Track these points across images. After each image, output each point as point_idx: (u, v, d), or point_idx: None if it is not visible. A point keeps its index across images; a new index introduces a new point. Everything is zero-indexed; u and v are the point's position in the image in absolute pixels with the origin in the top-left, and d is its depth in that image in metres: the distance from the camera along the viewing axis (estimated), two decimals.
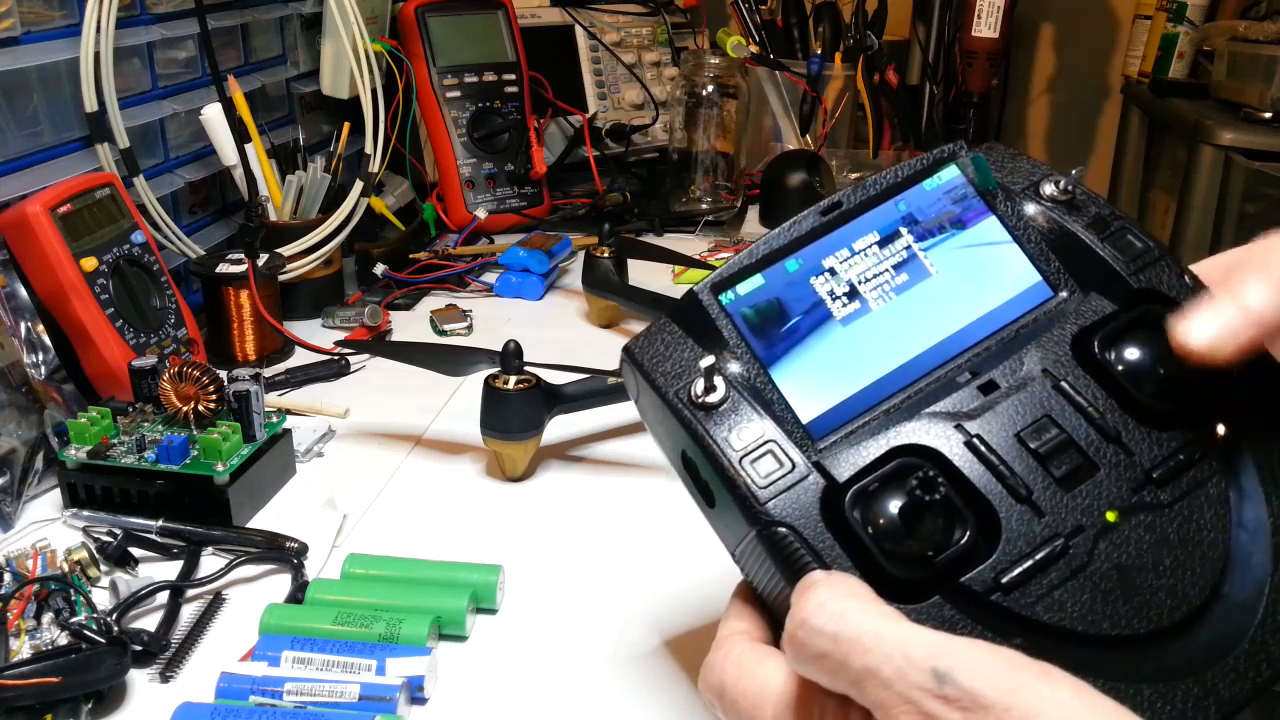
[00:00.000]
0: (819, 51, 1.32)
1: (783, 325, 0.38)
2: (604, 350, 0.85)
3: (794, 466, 0.35)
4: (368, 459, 0.68)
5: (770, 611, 0.36)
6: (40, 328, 0.67)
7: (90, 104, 0.75)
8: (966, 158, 0.40)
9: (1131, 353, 0.36)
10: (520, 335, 0.66)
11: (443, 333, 0.89)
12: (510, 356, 0.65)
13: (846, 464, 0.35)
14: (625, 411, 0.72)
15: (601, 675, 0.49)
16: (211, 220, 0.93)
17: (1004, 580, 0.33)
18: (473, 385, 0.67)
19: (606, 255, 0.88)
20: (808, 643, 0.30)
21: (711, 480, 0.36)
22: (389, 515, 0.62)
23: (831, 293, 0.38)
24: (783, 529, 0.34)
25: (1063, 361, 0.37)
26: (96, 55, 0.74)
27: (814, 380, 0.37)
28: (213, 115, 0.86)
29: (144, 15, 0.82)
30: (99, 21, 0.73)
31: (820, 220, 0.39)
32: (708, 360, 0.36)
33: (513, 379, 0.64)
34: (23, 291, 0.67)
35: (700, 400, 0.36)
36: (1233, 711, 0.31)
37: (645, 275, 0.93)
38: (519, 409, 0.64)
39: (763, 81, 1.29)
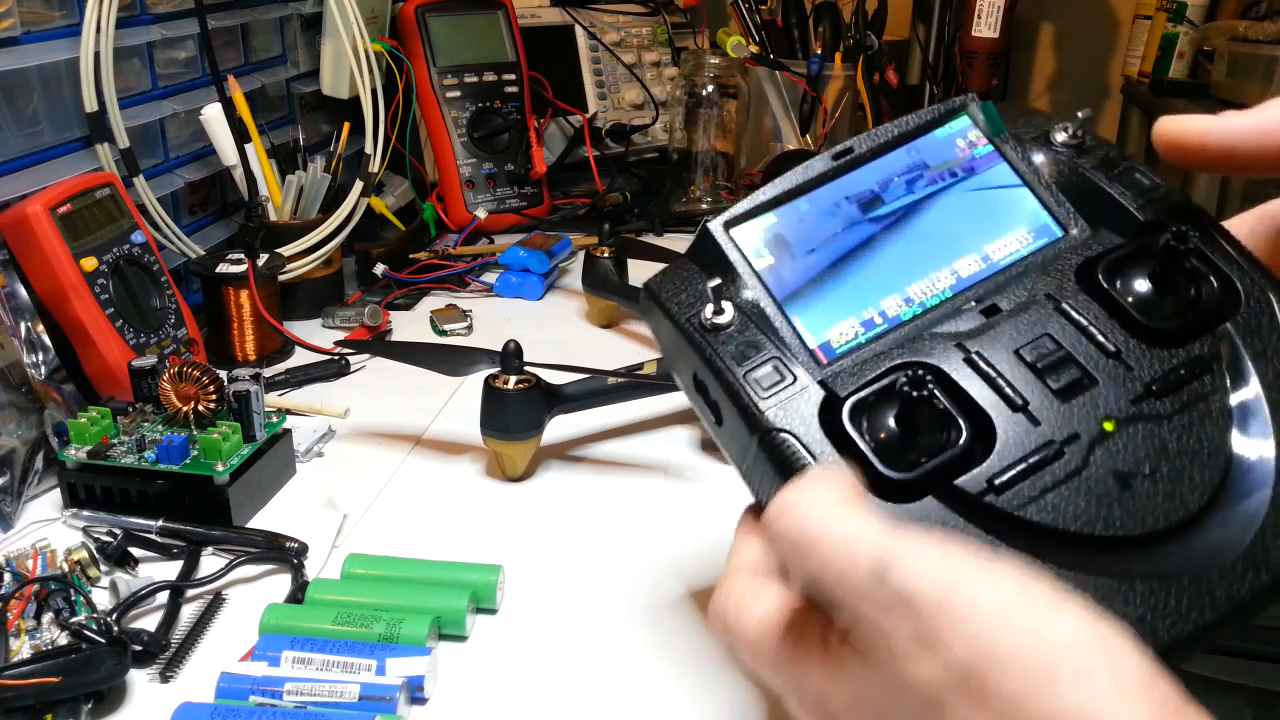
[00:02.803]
0: (819, 51, 1.32)
1: (793, 260, 0.39)
2: (604, 350, 0.85)
3: (794, 379, 0.36)
4: (368, 459, 0.68)
5: None
6: (40, 328, 0.66)
7: (90, 104, 0.75)
8: (976, 107, 0.42)
9: (1133, 277, 0.37)
10: (520, 335, 0.66)
11: (443, 333, 0.89)
12: (510, 356, 0.65)
13: (849, 381, 0.37)
14: (625, 411, 0.72)
15: (601, 675, 0.49)
16: (211, 220, 0.93)
17: (997, 482, 0.34)
18: (473, 385, 0.67)
19: (606, 255, 0.88)
20: (773, 544, 0.31)
21: (719, 396, 0.38)
22: (389, 515, 0.62)
23: (841, 230, 0.40)
24: (782, 434, 0.35)
25: (1066, 288, 0.38)
26: (96, 55, 0.74)
27: (823, 310, 0.38)
28: (213, 115, 0.86)
29: (144, 15, 0.82)
30: (99, 21, 0.73)
31: (832, 165, 0.41)
32: (714, 281, 0.38)
33: (513, 379, 0.64)
34: (23, 291, 0.67)
35: (709, 323, 0.38)
36: (1228, 613, 0.31)
37: (645, 275, 0.92)
38: (519, 409, 0.64)
39: (763, 81, 1.29)
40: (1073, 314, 0.37)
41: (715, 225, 0.40)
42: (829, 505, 0.30)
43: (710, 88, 1.17)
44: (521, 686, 0.48)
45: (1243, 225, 0.40)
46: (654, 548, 0.59)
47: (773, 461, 0.35)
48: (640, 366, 0.70)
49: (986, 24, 1.41)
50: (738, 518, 0.38)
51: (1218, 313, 0.37)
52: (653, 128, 1.30)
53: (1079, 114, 0.42)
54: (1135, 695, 0.24)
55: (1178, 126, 0.37)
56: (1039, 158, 0.41)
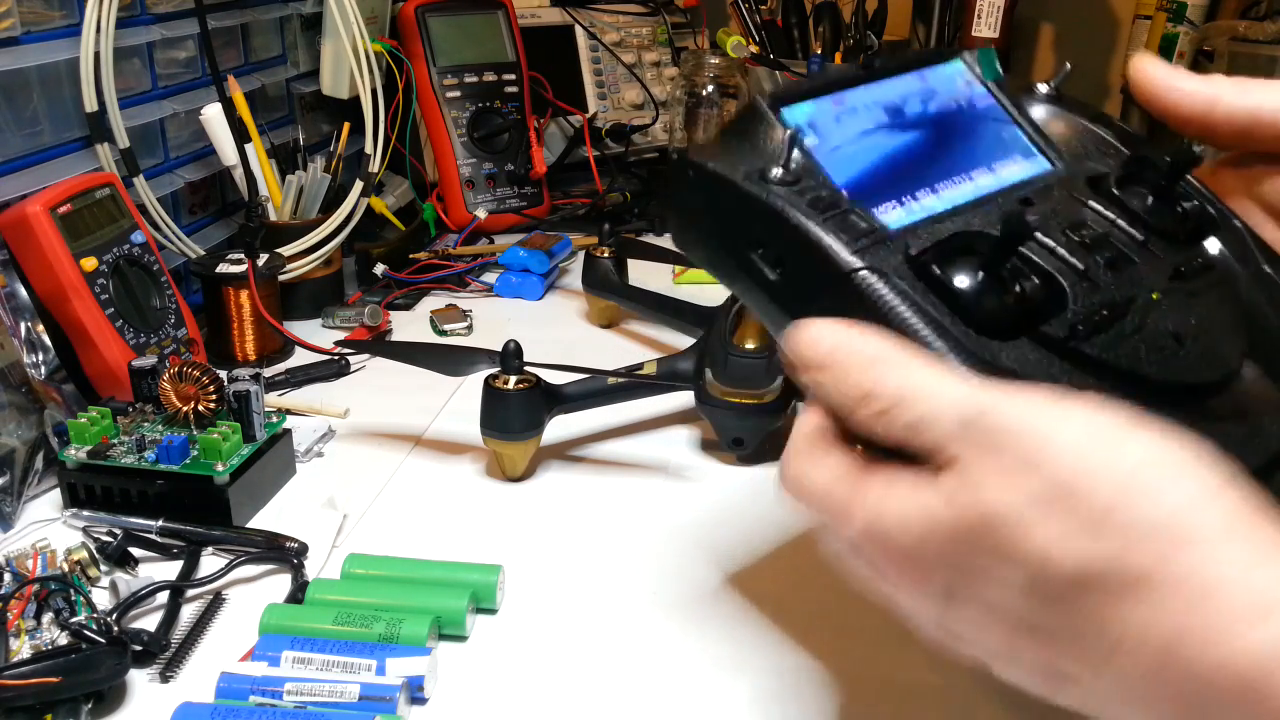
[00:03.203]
0: (819, 51, 1.32)
1: (833, 145, 0.39)
2: (604, 350, 0.85)
3: (877, 228, 0.36)
4: (368, 459, 0.68)
5: None
6: (40, 328, 0.66)
7: (90, 104, 0.75)
8: (970, 55, 0.45)
9: (1145, 189, 0.41)
10: (520, 335, 0.66)
11: (443, 333, 0.89)
12: (510, 356, 0.65)
13: (917, 243, 0.37)
14: (625, 411, 0.72)
15: (601, 675, 0.49)
16: (211, 220, 0.93)
17: (1080, 329, 0.35)
18: (473, 385, 0.67)
19: (606, 255, 0.88)
20: (853, 353, 0.32)
21: (790, 248, 0.36)
22: (389, 515, 0.62)
23: (872, 128, 0.41)
24: (873, 274, 0.34)
25: (1084, 191, 0.41)
26: (96, 55, 0.74)
27: (866, 190, 0.39)
28: (213, 115, 0.86)
29: (144, 15, 0.82)
30: (99, 21, 0.73)
31: (860, 72, 0.42)
32: (790, 132, 0.37)
33: (513, 379, 0.64)
34: (23, 291, 0.67)
35: (778, 176, 0.37)
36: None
37: (645, 275, 0.93)
38: (519, 409, 0.64)
39: (763, 81, 1.29)
40: (1101, 209, 0.40)
41: (763, 102, 0.40)
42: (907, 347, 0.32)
43: (710, 88, 1.17)
44: (521, 686, 0.48)
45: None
46: (654, 548, 0.59)
47: (866, 304, 0.34)
48: (640, 366, 0.70)
49: (986, 24, 1.41)
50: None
51: (1207, 228, 0.41)
52: (653, 128, 1.30)
53: (1064, 70, 0.45)
54: (1207, 502, 0.27)
55: (1158, 79, 0.41)
56: (1028, 104, 0.45)
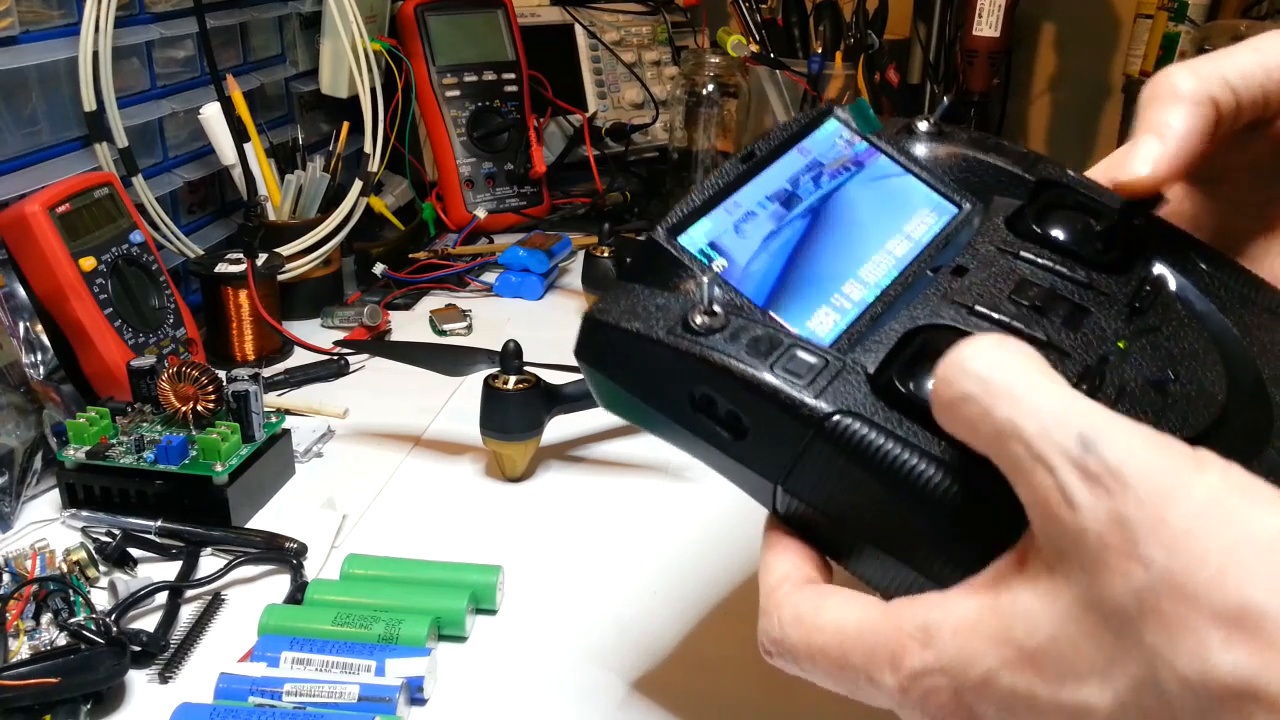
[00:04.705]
0: (819, 50, 1.32)
1: (742, 260, 0.37)
2: None
3: (828, 361, 0.33)
4: (367, 459, 0.68)
5: (818, 535, 0.34)
6: (39, 328, 0.66)
7: (89, 103, 0.75)
8: (842, 110, 0.43)
9: (1067, 218, 0.39)
10: (520, 335, 0.66)
11: (442, 333, 0.89)
12: (510, 356, 0.65)
13: (869, 358, 0.34)
14: None
15: (601, 675, 0.49)
16: (210, 220, 0.93)
17: None
18: (473, 385, 0.67)
19: (606, 255, 0.88)
20: (955, 382, 0.28)
21: (741, 404, 0.33)
22: (388, 515, 0.62)
23: (775, 227, 0.39)
24: (846, 418, 0.31)
25: (1009, 240, 0.39)
26: (95, 54, 0.74)
27: (793, 303, 0.37)
28: (211, 114, 0.85)
29: (142, 14, 0.82)
30: (98, 20, 0.73)
31: (743, 168, 0.40)
32: (710, 275, 0.35)
33: (512, 379, 0.64)
34: (21, 291, 0.66)
35: (704, 326, 0.34)
36: None
37: None
38: (519, 409, 0.64)
39: (763, 81, 1.29)
40: (1035, 259, 0.38)
41: (661, 235, 0.37)
42: (1024, 363, 0.27)
43: (710, 87, 1.17)
44: (521, 687, 0.48)
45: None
46: (654, 548, 0.59)
47: (844, 450, 0.31)
48: None
49: (987, 23, 1.41)
50: (763, 531, 0.35)
51: (1138, 238, 0.39)
52: (653, 127, 1.30)
53: (943, 100, 0.45)
54: None
55: (1134, 182, 0.38)
56: (913, 147, 0.43)
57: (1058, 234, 0.39)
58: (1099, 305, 0.37)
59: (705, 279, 0.35)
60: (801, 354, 0.33)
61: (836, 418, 0.32)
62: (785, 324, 0.36)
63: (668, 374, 0.35)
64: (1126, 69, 1.72)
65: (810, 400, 0.32)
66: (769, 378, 0.32)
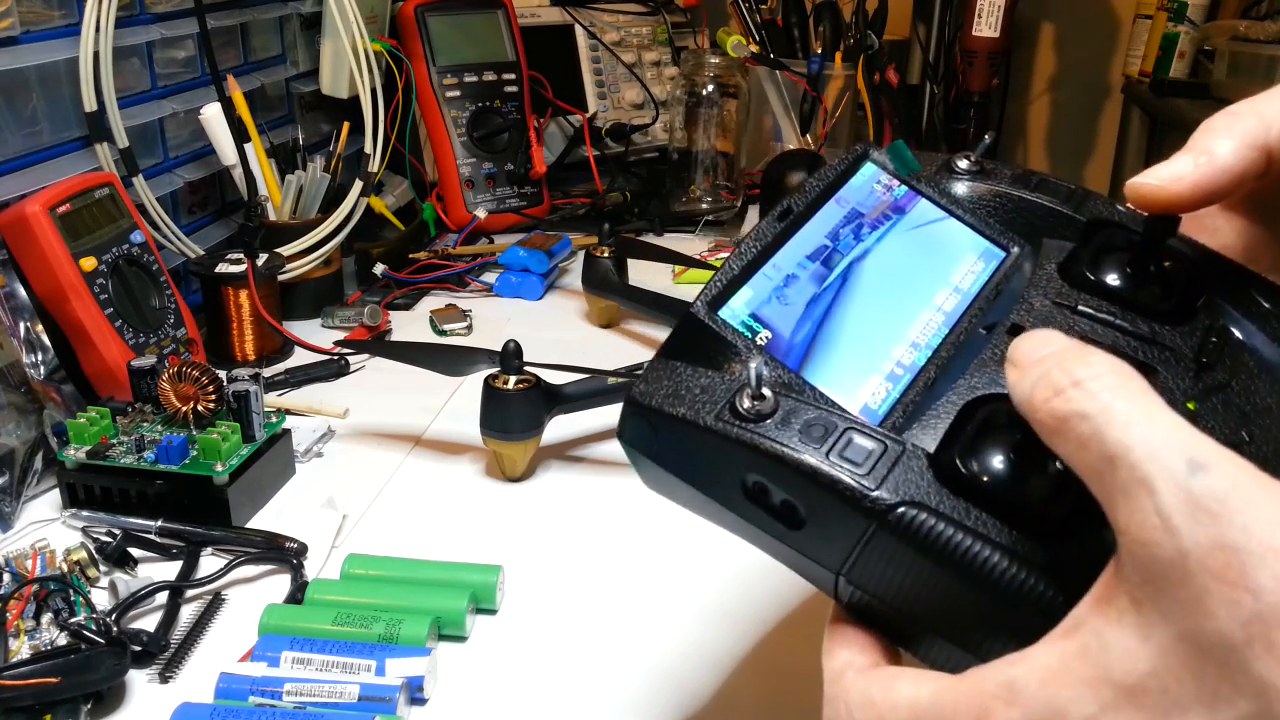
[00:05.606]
0: (819, 51, 1.32)
1: (786, 330, 0.36)
2: (604, 350, 0.85)
3: (887, 446, 0.31)
4: (367, 459, 0.68)
5: (882, 624, 0.33)
6: (39, 328, 0.66)
7: (89, 104, 0.75)
8: (878, 154, 0.42)
9: (1122, 261, 0.37)
10: (520, 335, 0.66)
11: (442, 333, 0.89)
12: (510, 356, 0.65)
13: (927, 434, 0.32)
14: None
15: (601, 676, 0.49)
16: (211, 220, 0.93)
17: None
18: (473, 385, 0.67)
19: (606, 255, 0.88)
20: (1073, 399, 0.26)
21: (798, 495, 0.32)
22: (389, 515, 0.62)
23: (817, 290, 0.37)
24: (910, 509, 0.30)
25: (1065, 291, 0.36)
26: (96, 55, 0.74)
27: (842, 374, 0.35)
28: (212, 115, 0.85)
29: (143, 15, 0.82)
30: (98, 21, 0.73)
31: (780, 227, 0.38)
32: (756, 361, 0.32)
33: (513, 379, 0.64)
34: (22, 291, 0.66)
35: (754, 411, 0.32)
36: None
37: (645, 275, 0.93)
38: (519, 409, 0.64)
39: (763, 81, 1.29)
40: (1094, 313, 0.35)
41: (701, 310, 0.35)
42: (1140, 391, 0.26)
43: (710, 87, 1.17)
44: (521, 687, 0.48)
45: None
46: (654, 548, 0.59)
47: (910, 543, 0.30)
48: (640, 366, 0.70)
49: (987, 23, 1.42)
50: (827, 622, 0.34)
51: (1197, 286, 0.37)
52: (653, 127, 1.30)
53: (984, 140, 0.43)
54: None
55: (1150, 188, 0.36)
56: (955, 187, 0.41)
57: (1114, 280, 0.37)
58: (1164, 363, 0.34)
59: (752, 365, 0.32)
60: (858, 439, 0.31)
61: (901, 510, 0.30)
62: (836, 399, 0.34)
63: (717, 461, 0.33)
64: (1126, 69, 1.72)
65: (872, 491, 0.30)
66: (826, 468, 0.31)
